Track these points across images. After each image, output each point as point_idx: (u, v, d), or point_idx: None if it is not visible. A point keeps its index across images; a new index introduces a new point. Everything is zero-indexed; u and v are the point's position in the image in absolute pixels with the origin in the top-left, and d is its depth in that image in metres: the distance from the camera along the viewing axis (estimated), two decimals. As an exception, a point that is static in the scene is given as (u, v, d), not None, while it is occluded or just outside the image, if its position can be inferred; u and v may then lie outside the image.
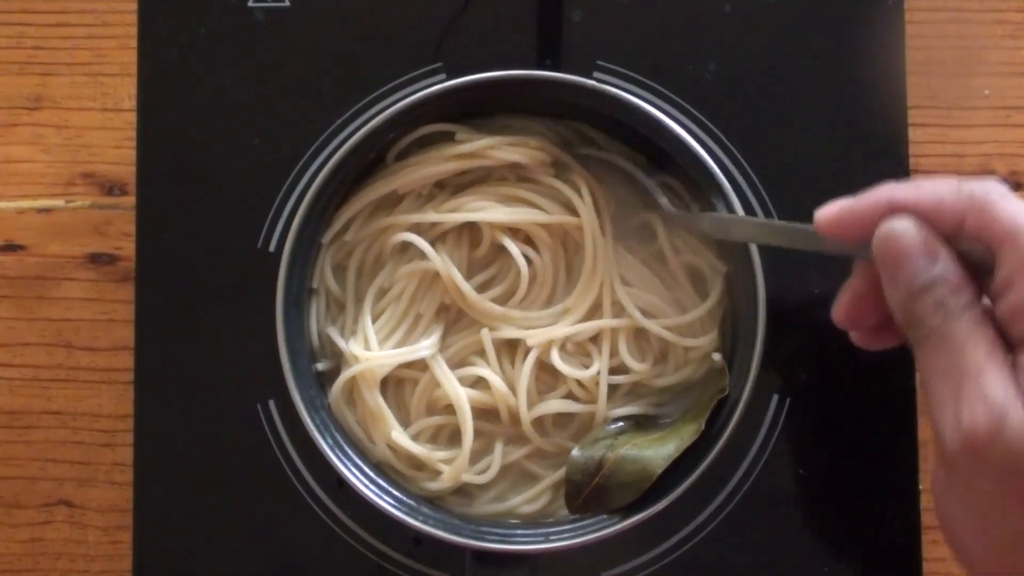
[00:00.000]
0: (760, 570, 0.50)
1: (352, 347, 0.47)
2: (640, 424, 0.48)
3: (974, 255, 0.36)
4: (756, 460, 0.50)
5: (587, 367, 0.48)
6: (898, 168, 0.51)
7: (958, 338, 0.35)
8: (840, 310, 0.42)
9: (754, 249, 0.45)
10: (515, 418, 0.48)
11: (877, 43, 0.52)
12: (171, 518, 0.50)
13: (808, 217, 0.52)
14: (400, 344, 0.48)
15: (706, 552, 0.50)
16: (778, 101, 0.52)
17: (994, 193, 0.36)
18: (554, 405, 0.48)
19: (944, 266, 0.36)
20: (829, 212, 0.39)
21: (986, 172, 0.52)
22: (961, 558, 0.37)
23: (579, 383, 0.48)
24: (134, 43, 0.52)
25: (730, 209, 0.45)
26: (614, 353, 0.48)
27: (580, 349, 0.48)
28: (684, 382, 0.48)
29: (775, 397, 0.50)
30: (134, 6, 0.52)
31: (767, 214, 0.51)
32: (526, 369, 0.47)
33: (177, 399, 0.50)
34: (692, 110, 0.51)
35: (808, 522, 0.50)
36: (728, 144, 0.51)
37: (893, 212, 0.37)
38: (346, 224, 0.49)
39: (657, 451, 0.45)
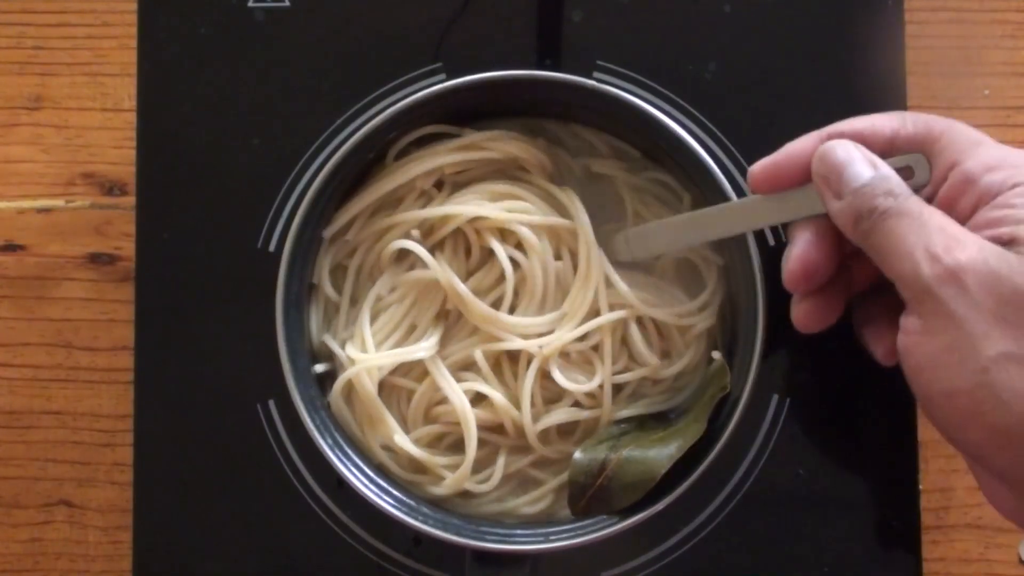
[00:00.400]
0: (760, 570, 0.50)
1: (349, 350, 0.47)
2: (642, 424, 0.48)
3: (904, 169, 0.39)
4: (756, 460, 0.50)
5: (591, 375, 0.47)
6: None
7: (915, 209, 0.37)
8: (792, 265, 0.42)
9: (753, 248, 0.45)
10: (520, 430, 0.47)
11: (877, 43, 0.52)
12: (171, 518, 0.50)
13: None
14: (397, 348, 0.48)
15: (706, 552, 0.50)
16: (778, 101, 0.52)
17: (919, 112, 0.41)
18: (560, 415, 0.47)
19: (884, 170, 0.39)
20: (761, 164, 0.42)
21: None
22: (932, 404, 0.37)
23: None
24: (134, 43, 0.52)
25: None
26: (617, 358, 0.47)
27: (583, 357, 0.48)
28: (687, 367, 0.48)
29: (775, 397, 0.50)
30: (134, 6, 0.52)
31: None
32: (528, 382, 0.47)
33: (177, 399, 0.50)
34: (692, 110, 0.51)
35: (808, 522, 0.50)
36: (728, 144, 0.51)
37: (828, 140, 0.41)
38: (348, 223, 0.49)
39: (660, 451, 0.45)
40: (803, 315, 0.43)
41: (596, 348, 0.47)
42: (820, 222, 0.42)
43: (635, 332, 0.47)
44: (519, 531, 0.46)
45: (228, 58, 0.52)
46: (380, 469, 0.48)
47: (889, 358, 0.42)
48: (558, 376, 0.47)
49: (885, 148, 0.40)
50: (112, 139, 0.53)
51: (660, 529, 0.50)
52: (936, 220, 0.37)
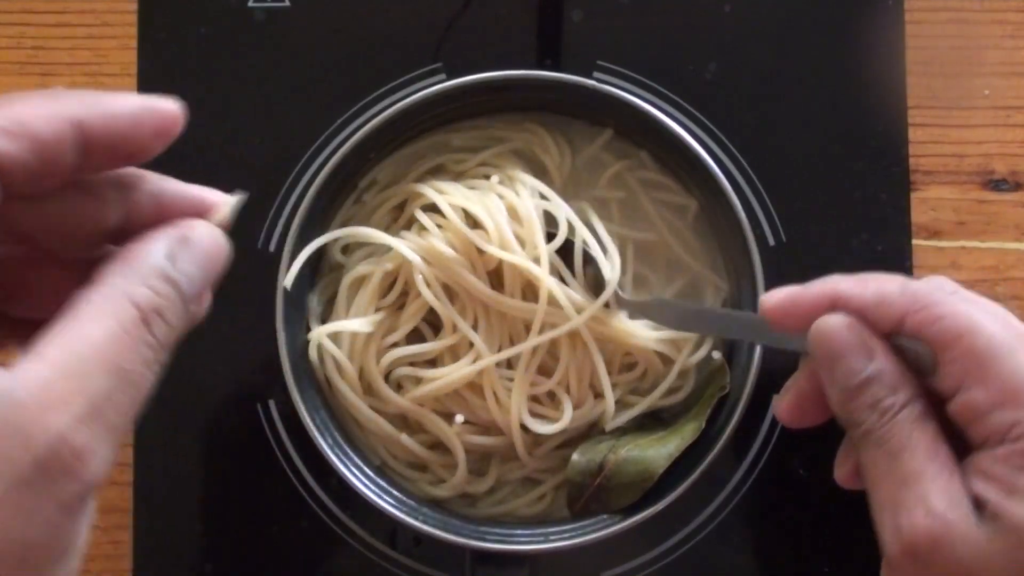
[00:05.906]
0: (760, 570, 0.50)
1: (313, 325, 0.47)
2: (641, 424, 0.48)
3: (913, 351, 0.36)
4: (756, 460, 0.50)
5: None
6: (898, 168, 0.51)
7: (895, 441, 0.35)
8: (783, 407, 0.41)
9: (754, 248, 0.45)
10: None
11: (877, 43, 0.52)
12: (171, 518, 0.50)
13: (809, 214, 0.52)
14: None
15: (706, 552, 0.50)
16: (778, 101, 0.52)
17: (939, 293, 0.36)
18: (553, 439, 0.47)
19: (880, 364, 0.36)
20: (774, 297, 0.39)
21: (986, 172, 0.52)
22: None
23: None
24: (134, 43, 0.52)
25: (730, 208, 0.45)
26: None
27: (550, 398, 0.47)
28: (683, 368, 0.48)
29: (775, 397, 0.50)
30: (134, 6, 0.52)
31: (767, 214, 0.51)
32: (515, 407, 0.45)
33: (177, 399, 0.50)
34: (692, 110, 0.51)
35: (808, 522, 0.50)
36: (728, 144, 0.51)
37: (835, 307, 0.37)
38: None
39: (658, 451, 0.45)
40: (784, 411, 0.41)
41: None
42: None
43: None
44: (519, 531, 0.46)
45: (228, 58, 0.52)
46: (380, 469, 0.48)
47: (845, 483, 0.40)
48: (529, 421, 0.45)
49: (889, 331, 0.36)
50: (112, 139, 0.53)
51: (660, 529, 0.50)
52: (912, 466, 0.34)
